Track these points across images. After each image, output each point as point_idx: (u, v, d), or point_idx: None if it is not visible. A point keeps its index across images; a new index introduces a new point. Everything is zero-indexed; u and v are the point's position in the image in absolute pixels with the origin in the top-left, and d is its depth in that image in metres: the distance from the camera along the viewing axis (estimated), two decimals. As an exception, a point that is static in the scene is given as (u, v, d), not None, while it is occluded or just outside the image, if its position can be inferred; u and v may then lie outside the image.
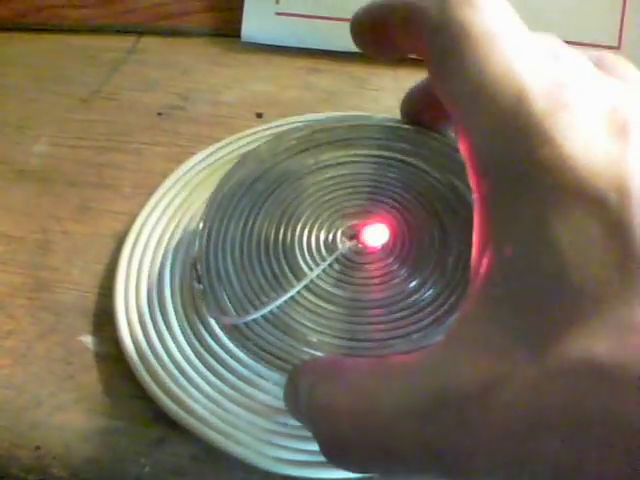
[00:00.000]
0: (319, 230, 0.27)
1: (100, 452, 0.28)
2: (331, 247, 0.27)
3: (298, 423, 0.28)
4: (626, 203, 0.16)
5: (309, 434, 0.27)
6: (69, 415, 0.29)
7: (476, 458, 0.17)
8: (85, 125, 0.42)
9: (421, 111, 0.28)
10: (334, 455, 0.20)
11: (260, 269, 0.26)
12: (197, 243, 0.27)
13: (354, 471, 0.22)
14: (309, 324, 0.25)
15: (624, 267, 0.16)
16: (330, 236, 0.27)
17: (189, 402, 0.28)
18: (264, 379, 0.29)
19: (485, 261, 0.18)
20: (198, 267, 0.27)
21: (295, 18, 0.45)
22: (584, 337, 0.16)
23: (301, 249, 0.27)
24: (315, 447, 0.27)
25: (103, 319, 0.32)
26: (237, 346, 0.26)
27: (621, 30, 0.43)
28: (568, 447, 0.15)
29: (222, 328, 0.27)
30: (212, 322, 0.31)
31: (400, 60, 0.41)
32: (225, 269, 0.26)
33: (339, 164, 0.29)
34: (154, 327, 0.31)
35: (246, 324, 0.25)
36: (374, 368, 0.20)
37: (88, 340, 0.31)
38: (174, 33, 0.48)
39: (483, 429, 0.17)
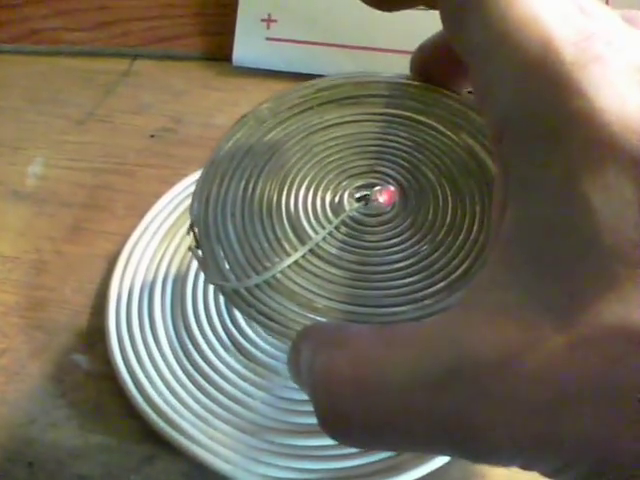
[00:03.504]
0: (324, 192, 0.26)
1: (92, 469, 0.28)
2: (337, 209, 0.25)
3: (286, 441, 0.29)
4: None
5: (296, 452, 0.28)
6: (61, 432, 0.30)
7: (494, 434, 0.16)
8: (79, 147, 0.42)
9: (433, 66, 0.26)
10: (333, 428, 0.18)
11: (262, 232, 0.24)
12: (194, 206, 0.25)
13: (355, 446, 0.20)
14: (314, 289, 0.23)
15: None
16: (336, 198, 0.25)
17: (178, 420, 0.29)
18: (252, 398, 0.30)
19: (506, 223, 0.17)
20: (195, 231, 0.25)
21: (285, 43, 0.47)
22: (618, 303, 0.14)
23: (305, 211, 0.25)
24: (302, 464, 0.28)
25: (95, 338, 0.33)
26: (239, 312, 0.24)
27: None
28: (601, 422, 0.14)
29: (222, 294, 0.24)
30: (202, 342, 0.31)
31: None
32: (225, 233, 0.25)
33: (345, 123, 0.27)
34: (145, 346, 0.31)
35: (248, 290, 0.23)
36: (381, 335, 0.18)
37: (80, 359, 0.32)
38: (167, 56, 0.49)
39: (503, 402, 0.15)
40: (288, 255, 0.24)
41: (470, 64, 0.19)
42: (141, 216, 0.37)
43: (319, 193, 0.26)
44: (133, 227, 0.36)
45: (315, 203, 0.25)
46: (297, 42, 0.46)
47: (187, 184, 0.38)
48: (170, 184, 0.38)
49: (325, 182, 0.26)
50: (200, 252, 0.24)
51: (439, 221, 0.24)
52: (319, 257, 0.24)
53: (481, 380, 0.15)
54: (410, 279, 0.23)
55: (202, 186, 0.26)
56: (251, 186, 0.26)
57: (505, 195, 0.17)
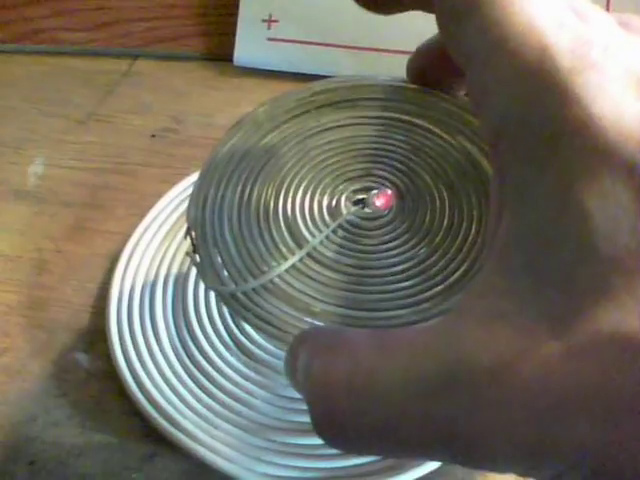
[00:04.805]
0: (321, 195, 0.26)
1: (93, 467, 0.28)
2: (334, 213, 0.25)
3: (287, 440, 0.29)
4: None
5: (297, 450, 0.28)
6: (63, 431, 0.30)
7: (490, 442, 0.16)
8: (80, 147, 0.43)
9: (430, 70, 0.26)
10: (328, 433, 0.18)
11: (260, 236, 0.24)
12: (191, 210, 0.25)
13: (349, 452, 0.20)
14: (312, 293, 0.23)
15: None
16: (333, 201, 0.25)
17: (179, 419, 0.29)
18: (253, 396, 0.30)
19: (502, 228, 0.17)
20: (193, 234, 0.25)
21: (286, 44, 0.47)
22: (614, 311, 0.14)
23: (302, 215, 0.25)
24: (303, 463, 0.28)
25: (96, 337, 0.33)
26: (236, 317, 0.24)
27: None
28: (597, 430, 0.14)
29: (219, 298, 0.24)
30: (203, 341, 0.31)
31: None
32: (222, 237, 0.24)
33: (342, 126, 0.27)
34: (146, 345, 0.31)
35: (245, 294, 0.23)
36: (376, 340, 0.18)
37: (81, 357, 0.32)
38: (168, 57, 0.49)
39: (499, 409, 0.15)
40: (285, 259, 0.24)
41: (466, 69, 0.19)
42: (142, 216, 0.37)
43: (316, 197, 0.25)
44: (134, 226, 0.36)
45: (312, 207, 0.25)
46: (298, 42, 0.46)
47: (188, 184, 0.38)
48: (171, 184, 0.38)
49: (322, 186, 0.26)
50: (197, 256, 0.24)
51: (436, 224, 0.24)
52: (316, 261, 0.24)
53: (477, 387, 0.15)
54: (408, 283, 0.23)
55: (199, 190, 0.26)
56: (248, 190, 0.26)
57: (501, 201, 0.17)
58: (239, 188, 0.26)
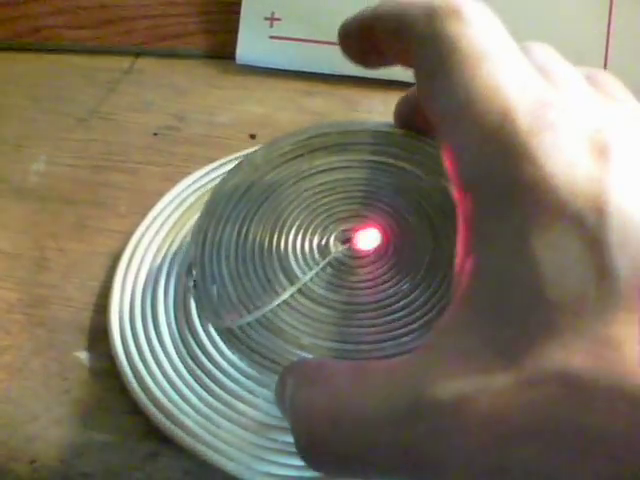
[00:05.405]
0: (313, 234, 0.27)
1: (94, 466, 0.28)
2: (324, 251, 0.27)
3: (289, 439, 0.29)
4: (604, 223, 0.17)
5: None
6: (64, 429, 0.29)
7: (452, 468, 0.17)
8: (82, 144, 0.42)
9: (414, 116, 0.28)
10: (310, 458, 0.20)
11: (254, 273, 0.26)
12: (193, 248, 0.27)
13: (329, 475, 0.22)
14: (302, 327, 0.25)
15: (601, 283, 0.16)
16: (323, 240, 0.27)
17: (181, 417, 0.29)
18: (255, 395, 0.30)
19: (467, 272, 0.19)
20: (194, 272, 0.27)
21: (289, 42, 0.47)
22: (560, 350, 0.16)
23: (295, 253, 0.27)
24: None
25: (98, 335, 0.33)
26: (231, 349, 0.26)
27: (606, 55, 0.44)
28: (544, 457, 0.16)
29: (216, 331, 0.26)
30: (205, 339, 0.31)
31: (389, 82, 0.42)
32: (220, 274, 0.26)
33: (333, 169, 0.29)
34: (147, 344, 0.31)
35: (240, 327, 0.25)
36: (354, 372, 0.20)
37: (83, 356, 0.32)
38: (170, 54, 0.49)
39: (458, 439, 0.17)
40: (278, 295, 0.26)
41: (438, 127, 0.21)
42: (144, 214, 0.37)
43: (308, 236, 0.27)
44: (136, 225, 0.36)
45: (304, 245, 0.27)
46: (301, 40, 0.46)
47: (190, 182, 0.38)
48: (173, 182, 0.38)
49: (313, 225, 0.28)
50: (197, 292, 0.26)
51: (418, 261, 0.26)
52: (307, 297, 0.26)
53: (438, 419, 0.17)
54: (390, 317, 0.25)
55: (199, 229, 0.28)
56: (245, 228, 0.27)
57: (467, 245, 0.19)
58: (237, 227, 0.27)
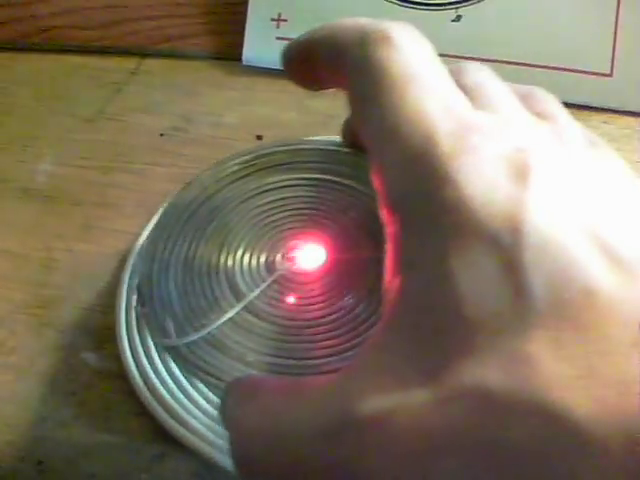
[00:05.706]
0: (260, 252, 0.28)
1: (101, 467, 0.28)
2: (270, 268, 0.27)
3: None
4: (519, 242, 0.17)
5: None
6: (71, 431, 0.29)
7: None
8: (89, 145, 0.42)
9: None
10: (244, 472, 0.20)
11: (202, 292, 0.26)
12: (140, 266, 0.28)
13: None
14: (247, 343, 0.25)
15: (517, 302, 0.17)
16: (270, 258, 0.28)
17: (188, 419, 0.29)
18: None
19: (393, 291, 0.19)
20: (141, 290, 0.27)
21: (295, 43, 0.46)
22: (476, 367, 0.16)
23: (242, 271, 0.27)
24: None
25: (105, 336, 0.32)
26: (178, 367, 0.26)
27: (613, 57, 0.44)
28: (464, 472, 0.16)
29: (164, 349, 0.27)
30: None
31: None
32: (167, 292, 0.27)
33: (281, 187, 0.30)
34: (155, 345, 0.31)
35: (186, 345, 0.25)
36: (289, 389, 0.20)
37: (90, 357, 0.32)
38: (177, 55, 0.49)
39: (382, 453, 0.17)
40: (224, 312, 0.26)
41: (368, 149, 0.21)
42: (151, 214, 0.36)
43: (255, 253, 0.28)
44: (143, 225, 0.36)
45: (251, 263, 0.28)
46: (307, 41, 0.46)
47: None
48: (180, 183, 0.38)
49: (261, 243, 0.28)
50: (144, 310, 0.27)
51: (362, 276, 0.26)
52: (253, 313, 0.26)
53: (363, 433, 0.17)
54: (335, 332, 0.25)
55: (148, 247, 0.28)
56: (193, 247, 0.28)
57: (394, 265, 0.20)
58: (185, 246, 0.28)
